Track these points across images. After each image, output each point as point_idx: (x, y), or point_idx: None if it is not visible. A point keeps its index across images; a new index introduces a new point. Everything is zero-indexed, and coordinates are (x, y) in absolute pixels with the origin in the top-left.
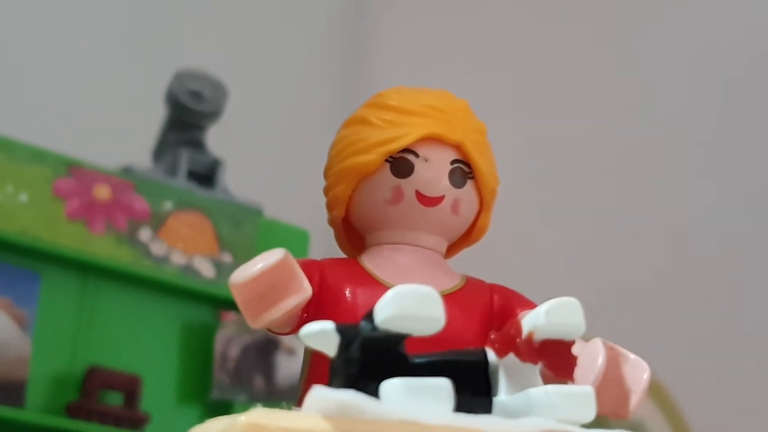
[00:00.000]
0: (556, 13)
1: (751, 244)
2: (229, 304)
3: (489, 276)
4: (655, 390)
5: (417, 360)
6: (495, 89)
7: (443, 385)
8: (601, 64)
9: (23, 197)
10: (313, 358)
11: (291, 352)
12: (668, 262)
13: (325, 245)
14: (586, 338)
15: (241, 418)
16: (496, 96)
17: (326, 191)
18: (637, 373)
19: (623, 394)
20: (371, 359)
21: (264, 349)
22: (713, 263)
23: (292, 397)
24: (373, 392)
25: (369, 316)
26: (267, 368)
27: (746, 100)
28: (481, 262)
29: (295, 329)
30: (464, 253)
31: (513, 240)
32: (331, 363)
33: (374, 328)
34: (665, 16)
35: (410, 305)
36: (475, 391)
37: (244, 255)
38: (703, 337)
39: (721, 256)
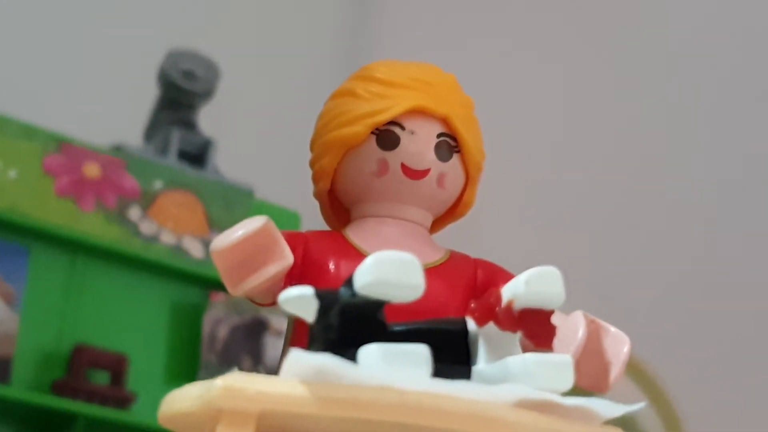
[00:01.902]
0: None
1: (742, 224)
2: (218, 285)
3: (473, 251)
4: (641, 375)
5: (396, 328)
6: (488, 67)
7: (420, 351)
8: (594, 47)
9: (12, 173)
10: (296, 327)
11: (279, 333)
12: (654, 238)
13: (315, 227)
14: (568, 311)
15: (218, 382)
16: (489, 73)
17: (312, 163)
18: (618, 346)
19: (603, 366)
20: (350, 325)
21: (252, 330)
22: (700, 240)
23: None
24: (351, 358)
25: (349, 283)
26: (255, 349)
27: (743, 90)
28: (466, 238)
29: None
30: (450, 229)
31: (498, 215)
32: (310, 329)
33: (354, 294)
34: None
35: (390, 272)
36: (454, 359)
37: None
38: (694, 321)
39: (710, 233)
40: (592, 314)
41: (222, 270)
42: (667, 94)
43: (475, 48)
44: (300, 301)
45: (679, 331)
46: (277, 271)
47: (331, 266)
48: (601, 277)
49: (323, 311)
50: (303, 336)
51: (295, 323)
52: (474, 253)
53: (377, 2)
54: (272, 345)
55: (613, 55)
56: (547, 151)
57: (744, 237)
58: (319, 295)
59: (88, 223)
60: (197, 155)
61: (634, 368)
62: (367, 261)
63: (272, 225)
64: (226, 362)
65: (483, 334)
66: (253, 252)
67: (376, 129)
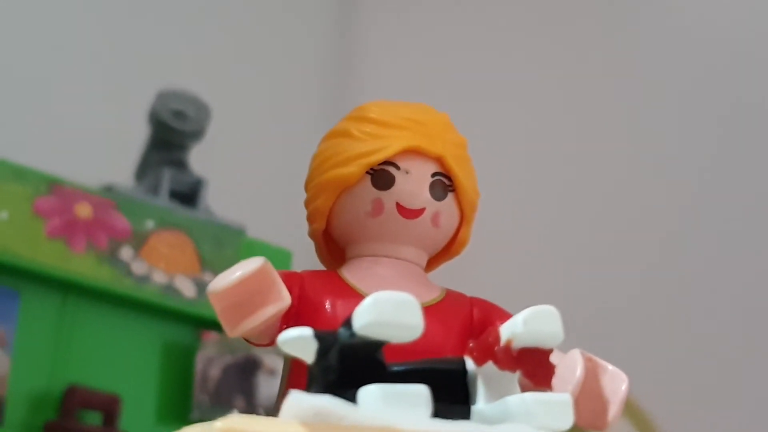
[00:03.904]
0: (542, 29)
1: (731, 259)
2: (210, 324)
3: (469, 289)
4: (634, 412)
5: (395, 368)
6: (479, 103)
7: (421, 392)
8: (584, 82)
9: (3, 215)
10: (293, 366)
11: (272, 372)
12: (648, 276)
13: (308, 265)
14: (565, 350)
15: (217, 424)
16: (480, 110)
17: (307, 204)
18: (616, 384)
19: (601, 405)
20: (349, 366)
21: (245, 369)
22: (694, 279)
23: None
24: (351, 399)
25: (347, 323)
26: (248, 389)
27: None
28: (461, 276)
29: (275, 340)
30: (445, 267)
31: (493, 253)
32: (309, 370)
33: (352, 335)
34: (657, 28)
35: (388, 312)
36: (453, 399)
37: None
38: (683, 355)
39: (703, 272)
40: (589, 352)
41: (219, 312)
42: (669, 136)
43: (465, 86)
44: (299, 342)
45: (676, 370)
46: (275, 312)
47: (327, 306)
48: (597, 314)
49: (322, 352)
50: (300, 376)
51: (292, 364)
52: (470, 291)
53: (368, 41)
54: (265, 384)
55: (612, 96)
56: (543, 187)
57: (746, 280)
58: (318, 336)
59: (79, 264)
60: (188, 195)
61: (629, 407)
62: (366, 301)
63: (269, 266)
64: (218, 402)
65: (482, 374)
66: (251, 293)
67: (371, 169)
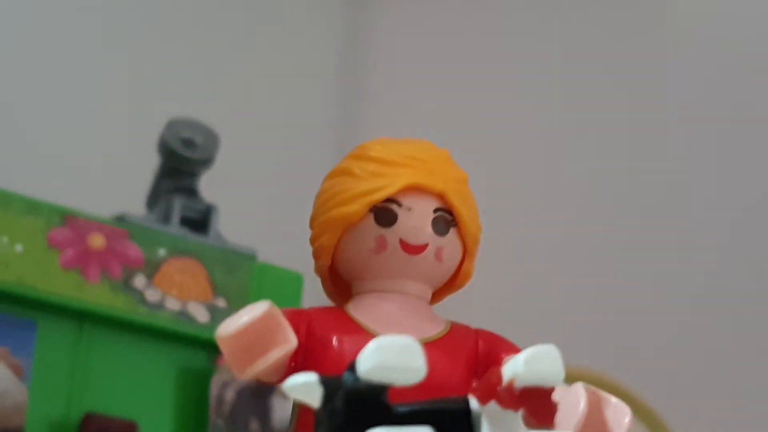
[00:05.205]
0: (547, 67)
1: (744, 280)
2: None
3: (473, 320)
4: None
5: (400, 409)
6: (488, 138)
7: None
8: (591, 117)
9: (18, 248)
10: (301, 408)
11: (286, 395)
12: (657, 302)
13: (318, 289)
14: (571, 380)
15: None
16: (488, 144)
17: (312, 241)
18: (619, 417)
19: None
20: (355, 410)
21: (259, 392)
22: (703, 296)
23: None
24: None
25: (352, 367)
26: (262, 412)
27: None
28: (466, 308)
29: (284, 378)
30: (450, 299)
31: (497, 285)
32: (316, 414)
33: (357, 380)
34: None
35: (391, 356)
36: None
37: (238, 300)
38: (697, 371)
39: (712, 290)
40: (597, 370)
41: (228, 355)
42: (670, 152)
43: (469, 121)
44: (305, 388)
45: (687, 382)
46: (282, 354)
47: (335, 342)
48: (601, 338)
49: (328, 397)
50: (308, 419)
51: (300, 405)
52: (474, 321)
53: (379, 66)
54: (279, 406)
55: (631, 123)
56: (545, 217)
57: (747, 294)
58: (324, 381)
59: (94, 294)
60: (200, 221)
61: (646, 414)
62: (369, 346)
63: (275, 310)
64: (234, 425)
65: (486, 413)
66: (258, 337)
67: (374, 207)
